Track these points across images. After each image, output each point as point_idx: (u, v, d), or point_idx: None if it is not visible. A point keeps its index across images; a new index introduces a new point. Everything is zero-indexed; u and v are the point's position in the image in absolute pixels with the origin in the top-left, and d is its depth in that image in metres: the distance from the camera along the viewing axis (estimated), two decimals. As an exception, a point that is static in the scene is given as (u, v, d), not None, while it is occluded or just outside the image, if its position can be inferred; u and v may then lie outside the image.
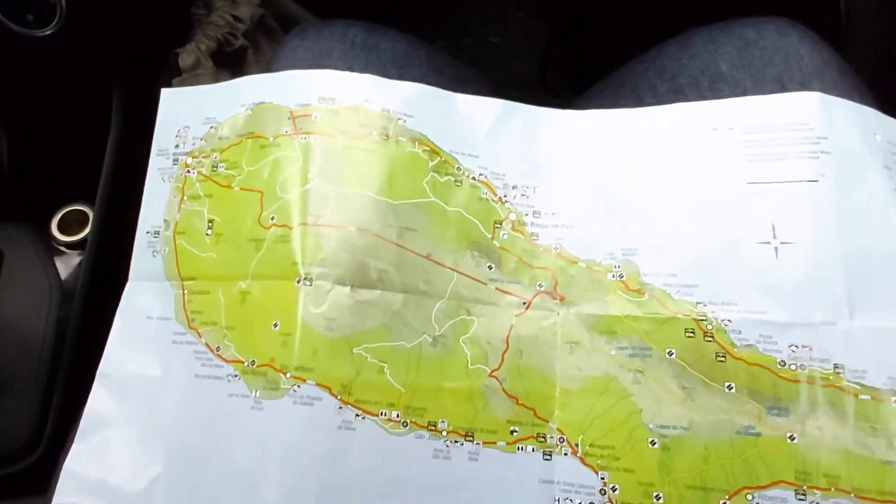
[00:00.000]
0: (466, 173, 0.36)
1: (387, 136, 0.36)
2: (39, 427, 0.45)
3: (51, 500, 0.32)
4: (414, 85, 0.37)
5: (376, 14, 0.45)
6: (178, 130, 0.38)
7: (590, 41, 0.84)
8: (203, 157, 0.37)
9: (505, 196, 0.36)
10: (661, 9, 0.74)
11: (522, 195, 0.36)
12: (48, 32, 0.44)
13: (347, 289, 0.33)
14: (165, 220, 0.37)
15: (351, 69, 0.39)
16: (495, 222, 0.36)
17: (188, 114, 0.39)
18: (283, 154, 0.36)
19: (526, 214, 0.36)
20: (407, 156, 0.36)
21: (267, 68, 0.43)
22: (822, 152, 0.33)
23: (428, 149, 0.36)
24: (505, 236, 0.35)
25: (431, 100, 0.37)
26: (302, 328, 0.32)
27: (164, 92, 0.40)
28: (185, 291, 0.35)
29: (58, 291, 0.47)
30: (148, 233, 0.37)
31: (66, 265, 0.52)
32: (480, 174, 0.36)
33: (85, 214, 0.55)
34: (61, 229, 0.54)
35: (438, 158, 0.36)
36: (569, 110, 0.38)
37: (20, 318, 0.46)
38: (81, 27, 0.45)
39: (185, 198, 0.37)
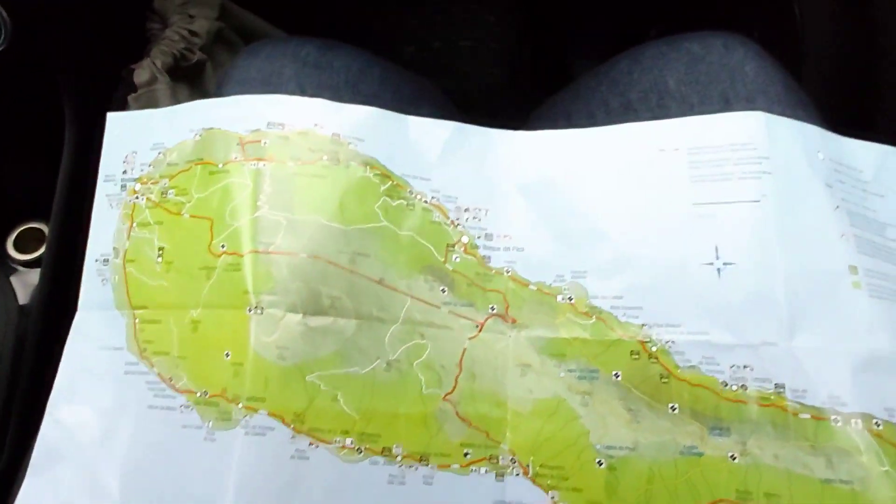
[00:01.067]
0: (419, 196, 0.36)
1: (338, 160, 0.36)
2: None
3: None
4: (365, 108, 0.37)
5: (344, 20, 0.45)
6: (126, 156, 0.38)
7: (559, 44, 0.84)
8: (152, 183, 0.37)
9: (457, 219, 0.36)
10: (627, 14, 0.74)
11: (474, 217, 0.37)
12: (-2, 49, 0.43)
13: (299, 316, 0.33)
14: (115, 248, 0.37)
15: (303, 89, 0.39)
16: (448, 245, 0.36)
17: (135, 139, 0.38)
18: (233, 181, 0.36)
19: (478, 237, 0.36)
20: (358, 180, 0.36)
21: (216, 88, 0.42)
22: (764, 172, 0.34)
23: (379, 173, 0.36)
24: (457, 259, 0.36)
25: (383, 123, 0.37)
26: (253, 358, 0.32)
27: (110, 116, 0.39)
28: (137, 320, 0.35)
29: (15, 310, 0.46)
30: (97, 261, 0.37)
31: (23, 283, 0.51)
32: (433, 197, 0.36)
33: (42, 232, 0.54)
34: (17, 247, 0.53)
35: (390, 182, 0.36)
36: (519, 131, 0.39)
37: None
38: (28, 44, 0.44)
39: (134, 225, 0.36)
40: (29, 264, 0.53)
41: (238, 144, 0.36)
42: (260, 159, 0.36)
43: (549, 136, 0.38)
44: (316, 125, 0.36)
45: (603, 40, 0.82)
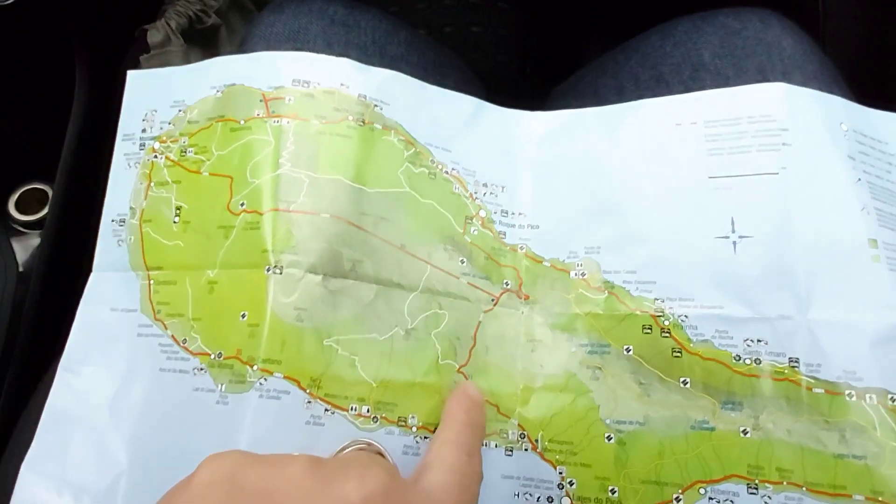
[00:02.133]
0: (440, 166, 0.36)
1: (363, 122, 0.35)
2: None
3: (8, 494, 0.32)
4: (391, 72, 0.37)
5: (355, 1, 0.44)
6: (146, 114, 0.37)
7: (570, 34, 0.83)
8: (171, 141, 0.36)
9: (475, 193, 0.36)
10: (640, 4, 0.73)
11: (491, 193, 0.37)
12: (6, 3, 0.42)
13: (319, 278, 0.32)
14: (131, 208, 0.36)
15: (330, 46, 0.39)
16: (466, 218, 0.36)
17: (155, 97, 0.38)
18: (255, 138, 0.35)
19: (494, 213, 0.36)
20: (383, 144, 0.35)
21: (241, 44, 0.42)
22: (784, 144, 0.33)
23: (403, 138, 0.36)
24: (475, 232, 0.36)
25: (408, 89, 0.37)
26: (271, 319, 0.31)
27: (131, 74, 0.38)
28: (151, 282, 0.34)
29: (14, 272, 0.46)
30: (113, 221, 0.36)
31: (24, 245, 0.51)
32: (453, 168, 0.36)
33: (44, 194, 0.53)
34: (19, 208, 0.52)
35: (413, 149, 0.36)
36: (537, 112, 0.39)
37: None
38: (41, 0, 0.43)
39: (152, 184, 0.36)
40: (31, 225, 0.52)
41: (261, 101, 0.36)
42: (283, 116, 0.35)
43: (565, 115, 0.38)
44: (342, 85, 0.36)
45: (614, 30, 0.81)
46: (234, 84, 0.36)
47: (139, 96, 0.38)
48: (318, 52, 0.37)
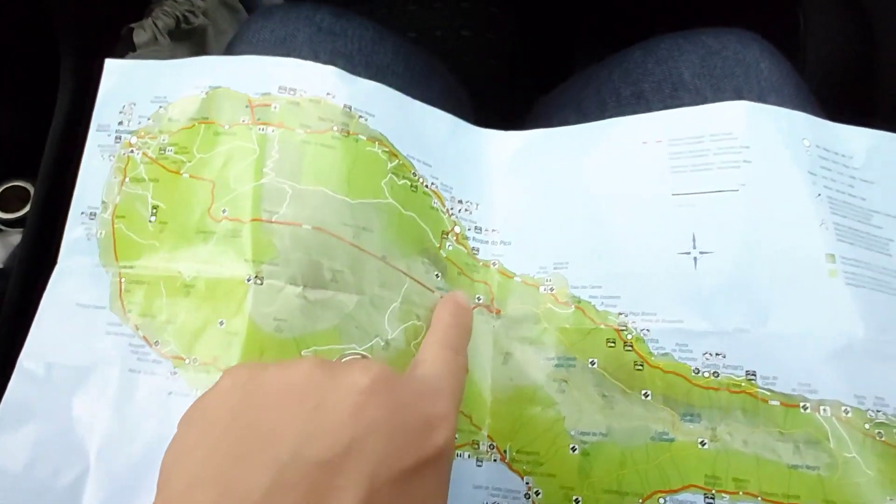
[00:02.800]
0: (421, 180, 0.37)
1: (347, 132, 0.35)
2: None
3: None
4: (377, 84, 0.37)
5: (344, 2, 0.45)
6: (123, 106, 0.37)
7: (561, 40, 0.84)
8: (150, 138, 0.36)
9: (451, 209, 0.37)
10: (630, 12, 0.74)
11: (466, 210, 0.38)
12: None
13: (300, 289, 0.32)
14: (104, 202, 0.35)
15: (316, 54, 0.39)
16: (443, 232, 0.37)
17: (135, 89, 0.37)
18: (239, 144, 0.35)
19: (469, 229, 0.37)
20: (367, 155, 0.35)
21: (226, 48, 0.41)
22: (744, 161, 0.34)
23: (387, 150, 0.36)
24: (451, 247, 0.37)
25: (392, 102, 0.38)
26: (250, 328, 0.31)
27: (108, 63, 0.38)
28: (123, 280, 0.34)
29: None
30: (83, 213, 0.36)
31: (4, 243, 0.51)
32: (432, 183, 0.37)
33: (26, 191, 0.53)
34: (1, 206, 0.52)
35: (397, 161, 0.36)
36: (510, 132, 0.40)
37: None
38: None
39: (126, 179, 0.35)
40: (12, 223, 0.52)
41: (247, 106, 0.35)
42: (268, 124, 0.35)
43: (537, 134, 0.39)
44: (328, 94, 0.36)
45: (605, 39, 0.81)
46: (219, 87, 0.36)
47: (116, 87, 0.37)
48: (304, 58, 0.37)
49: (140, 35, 0.52)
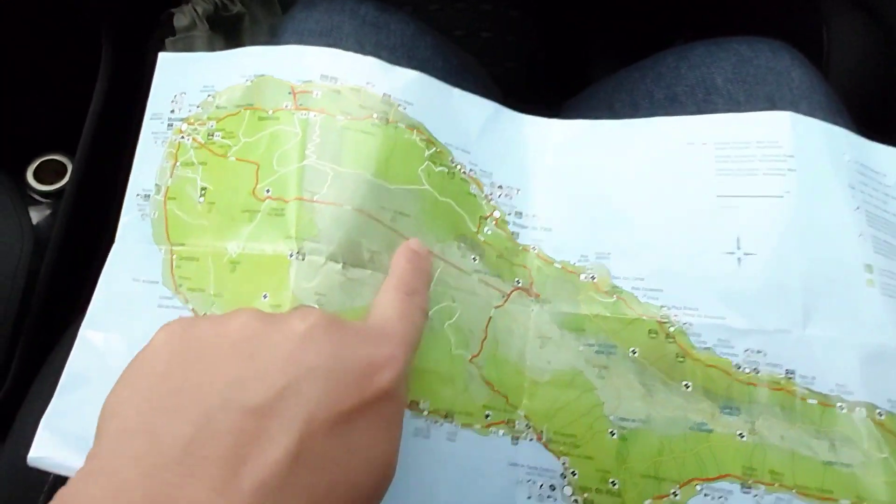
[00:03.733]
0: (459, 167, 0.38)
1: (387, 120, 0.36)
2: (2, 373, 0.44)
3: (12, 449, 0.32)
4: (415, 73, 0.38)
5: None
6: (175, 96, 0.39)
7: (578, 47, 0.86)
8: (199, 124, 0.38)
9: (491, 194, 0.38)
10: (651, 23, 0.76)
11: (506, 195, 0.38)
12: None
13: (339, 266, 0.33)
14: (156, 185, 0.37)
15: (361, 45, 0.40)
16: (481, 217, 0.37)
17: (185, 80, 0.39)
18: (282, 128, 0.36)
19: (509, 214, 0.38)
20: (405, 142, 0.36)
21: (265, 38, 0.43)
22: (789, 170, 0.35)
23: (425, 138, 0.37)
24: (489, 232, 0.37)
25: (431, 91, 0.38)
26: (292, 301, 0.32)
27: (162, 56, 0.40)
28: (174, 256, 0.36)
29: (30, 239, 0.47)
30: (138, 195, 0.37)
31: (40, 214, 0.51)
32: (471, 170, 0.38)
33: (62, 165, 0.53)
34: (37, 178, 0.53)
35: (434, 148, 0.37)
36: (554, 119, 0.40)
37: None
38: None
39: (178, 163, 0.37)
40: (47, 195, 0.53)
41: (290, 93, 0.37)
42: (310, 110, 0.36)
43: (581, 125, 0.40)
44: (368, 83, 0.37)
45: (624, 48, 0.83)
46: (263, 74, 0.38)
47: (169, 78, 0.39)
48: (349, 49, 0.38)
49: (180, 20, 0.53)
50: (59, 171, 0.54)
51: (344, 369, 0.23)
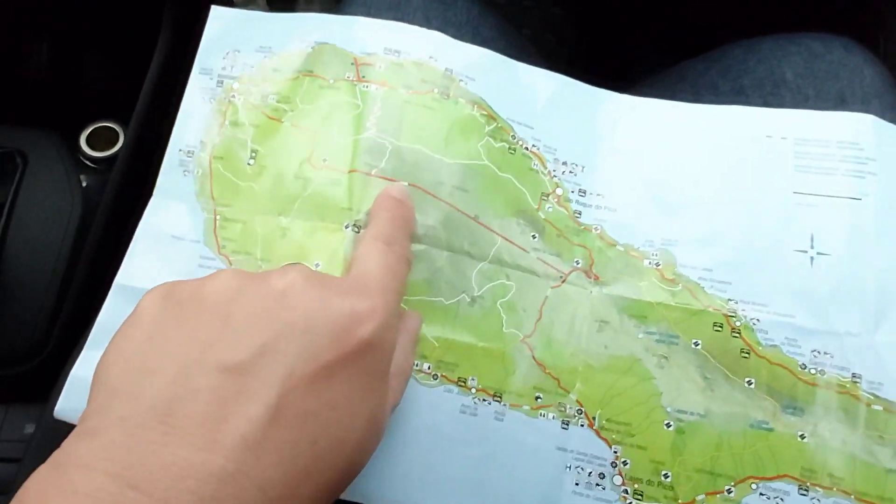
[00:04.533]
0: (520, 142, 0.37)
1: (448, 95, 0.36)
2: (46, 334, 0.45)
3: (53, 406, 0.32)
4: (479, 49, 0.38)
5: None
6: (227, 53, 0.38)
7: (619, 47, 0.84)
8: (252, 85, 0.37)
9: (554, 171, 0.37)
10: (695, 25, 0.74)
11: (570, 172, 0.37)
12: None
13: None
14: (202, 142, 0.36)
15: (429, 20, 0.40)
16: (542, 194, 0.36)
17: (239, 38, 0.38)
18: (343, 99, 0.36)
19: (572, 192, 0.37)
20: (465, 117, 0.36)
21: (340, 8, 0.42)
22: (869, 173, 0.35)
23: (486, 113, 0.36)
24: (550, 209, 0.36)
25: (494, 66, 0.38)
26: (343, 272, 0.33)
27: (215, 10, 0.38)
28: (218, 217, 0.35)
29: (79, 203, 0.47)
30: (181, 150, 0.36)
31: (90, 180, 0.52)
32: (534, 145, 0.37)
33: (114, 132, 0.54)
34: (90, 144, 0.53)
35: (495, 124, 0.36)
36: (626, 95, 0.39)
37: (38, 223, 0.46)
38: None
39: (226, 122, 0.36)
40: (98, 161, 0.53)
41: (352, 64, 0.36)
42: (372, 82, 0.36)
43: (656, 104, 0.38)
44: (431, 57, 0.37)
45: (665, 48, 0.82)
46: (325, 43, 0.37)
47: (221, 34, 0.38)
48: (416, 24, 0.38)
49: None
50: (111, 139, 0.54)
51: (323, 324, 0.23)
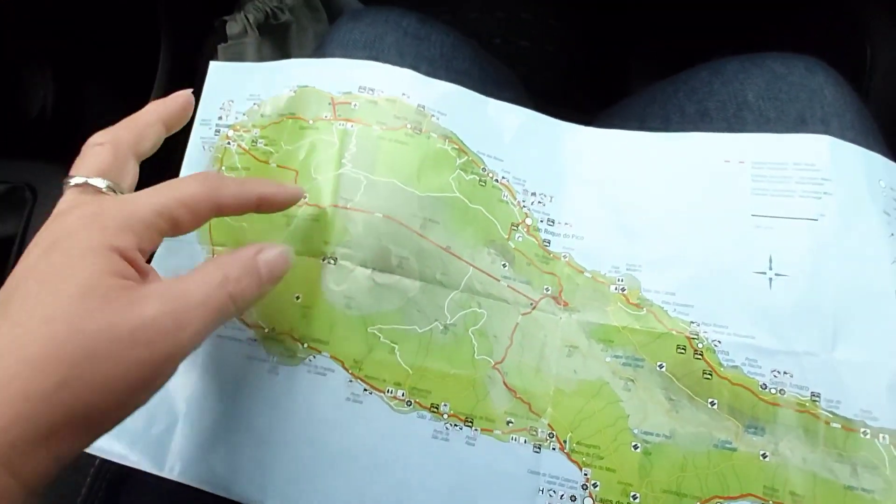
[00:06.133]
0: (490, 174, 0.38)
1: (420, 130, 0.37)
2: None
3: None
4: (450, 85, 0.39)
5: (411, 6, 0.46)
6: (223, 103, 0.40)
7: (616, 58, 0.85)
8: (244, 131, 0.39)
9: (523, 201, 0.38)
10: (691, 37, 0.75)
11: (539, 202, 0.38)
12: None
13: (368, 271, 0.35)
14: None
15: (402, 57, 0.41)
16: (512, 224, 0.37)
17: (233, 88, 0.40)
18: (321, 138, 0.37)
19: (541, 221, 0.38)
20: (437, 151, 0.37)
21: (311, 44, 0.44)
22: (825, 193, 0.35)
23: (457, 147, 0.38)
24: (520, 238, 0.37)
25: (464, 101, 0.39)
26: (322, 303, 0.34)
27: (213, 65, 0.41)
28: (214, 247, 0.37)
29: None
30: None
31: None
32: (503, 177, 0.38)
33: None
34: None
35: (466, 157, 0.38)
36: (590, 127, 0.40)
37: None
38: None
39: (223, 168, 0.38)
40: None
41: (329, 104, 0.38)
42: (349, 120, 0.37)
43: (617, 135, 0.40)
44: (404, 94, 0.38)
45: (662, 60, 0.83)
46: (306, 86, 0.39)
47: (218, 86, 0.40)
48: (391, 61, 0.40)
49: (232, 27, 0.55)
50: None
51: None
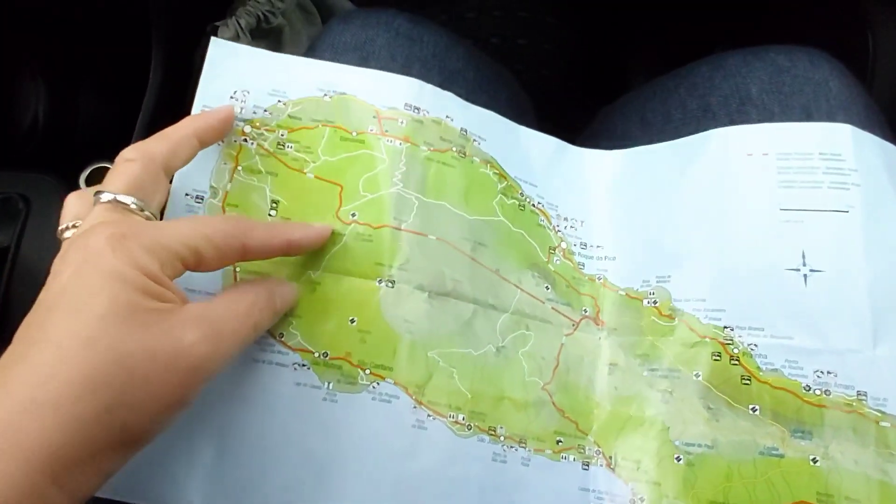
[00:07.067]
0: (528, 199, 0.39)
1: (464, 154, 0.38)
2: None
3: None
4: (484, 111, 0.39)
5: (407, 6, 0.46)
6: (234, 92, 0.36)
7: (617, 53, 0.84)
8: (266, 130, 0.36)
9: (558, 226, 0.39)
10: (691, 31, 0.74)
11: (572, 227, 0.39)
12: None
13: (426, 294, 0.34)
14: (212, 187, 0.35)
15: (394, 58, 0.41)
16: (550, 248, 0.38)
17: (248, 77, 0.36)
18: (367, 152, 0.36)
19: (574, 245, 0.39)
20: (480, 175, 0.38)
21: (308, 50, 0.43)
22: (853, 184, 0.34)
23: (497, 172, 0.38)
24: (558, 262, 0.38)
25: (499, 127, 0.40)
26: (383, 327, 0.33)
27: (215, 42, 0.37)
28: (237, 269, 0.34)
29: None
30: (187, 195, 0.34)
31: None
32: (538, 202, 0.39)
33: None
34: (89, 185, 0.53)
35: (506, 182, 0.38)
36: (612, 151, 0.41)
37: (43, 267, 0.44)
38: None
39: (239, 168, 0.35)
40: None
41: (374, 117, 0.36)
42: (396, 137, 0.36)
43: (637, 152, 0.40)
44: (447, 117, 0.38)
45: (660, 52, 0.81)
46: (345, 93, 0.37)
47: (224, 69, 0.36)
48: (382, 62, 0.39)
49: (224, 32, 0.55)
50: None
51: None
